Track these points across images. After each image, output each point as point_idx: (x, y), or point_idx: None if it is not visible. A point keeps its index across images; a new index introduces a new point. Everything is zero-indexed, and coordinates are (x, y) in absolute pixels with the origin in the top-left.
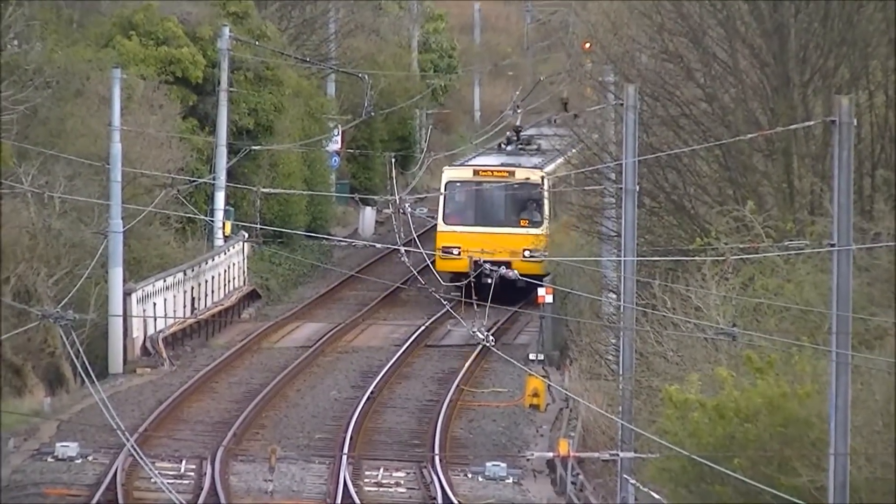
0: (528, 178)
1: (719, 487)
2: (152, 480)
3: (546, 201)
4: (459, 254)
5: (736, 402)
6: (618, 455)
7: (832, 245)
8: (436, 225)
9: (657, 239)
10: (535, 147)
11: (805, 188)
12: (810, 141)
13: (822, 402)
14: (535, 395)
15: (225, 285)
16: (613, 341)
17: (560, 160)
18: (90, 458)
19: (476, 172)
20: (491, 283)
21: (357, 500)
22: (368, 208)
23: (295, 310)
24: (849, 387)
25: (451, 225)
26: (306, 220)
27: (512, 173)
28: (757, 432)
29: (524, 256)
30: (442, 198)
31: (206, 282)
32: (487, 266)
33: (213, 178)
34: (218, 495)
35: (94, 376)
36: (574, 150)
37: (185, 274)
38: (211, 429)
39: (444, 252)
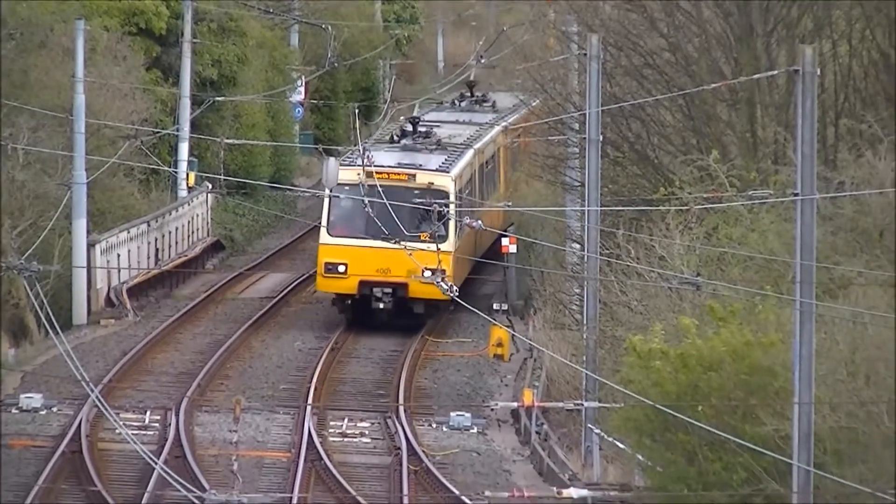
0: (431, 183)
1: (683, 436)
2: (117, 431)
3: (453, 211)
4: (346, 273)
5: (699, 352)
6: (582, 405)
7: (796, 194)
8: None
9: (621, 189)
10: (434, 141)
11: (769, 137)
12: (774, 90)
13: (786, 351)
14: (500, 345)
15: (189, 236)
16: (577, 291)
17: (468, 157)
18: (54, 409)
19: (369, 174)
20: (382, 308)
21: (322, 451)
22: (332, 159)
23: (259, 260)
24: (813, 336)
25: (336, 237)
26: (270, 171)
27: (413, 176)
28: (721, 381)
29: (423, 277)
30: (326, 203)
31: (170, 233)
32: (380, 290)
33: (177, 130)
34: (182, 446)
35: (58, 327)
36: (481, 143)
37: (148, 225)
38: (175, 380)
39: (327, 270)
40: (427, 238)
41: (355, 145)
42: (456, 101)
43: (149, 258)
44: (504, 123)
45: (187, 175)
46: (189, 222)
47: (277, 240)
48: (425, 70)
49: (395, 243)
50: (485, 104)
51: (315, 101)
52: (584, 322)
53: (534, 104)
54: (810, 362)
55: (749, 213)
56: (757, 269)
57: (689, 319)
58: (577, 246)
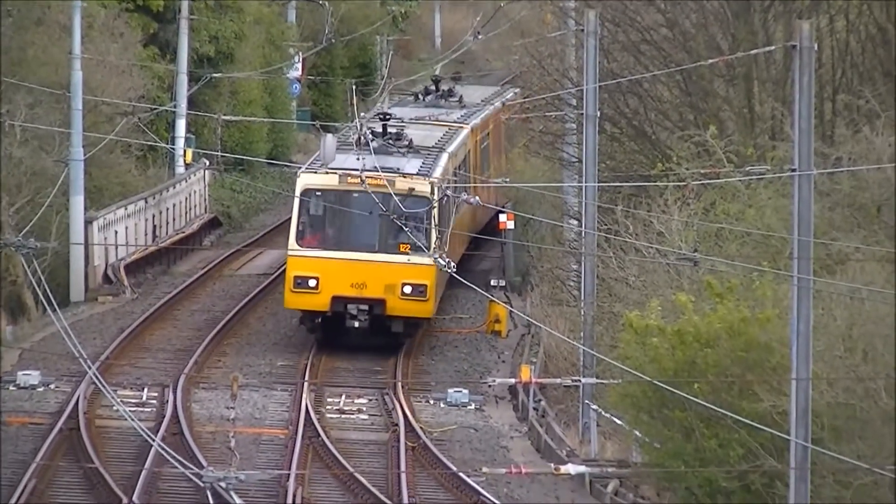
0: (412, 189)
1: (680, 413)
2: (114, 408)
3: (434, 220)
4: (317, 287)
5: (696, 328)
6: (579, 381)
7: (793, 170)
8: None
9: (618, 165)
10: (405, 142)
11: (766, 113)
12: (771, 66)
13: (784, 327)
14: (497, 321)
15: (186, 213)
16: (575, 267)
17: (444, 159)
18: (52, 386)
19: (343, 179)
20: (357, 327)
21: (319, 427)
22: (329, 135)
23: (256, 237)
24: (810, 312)
25: (306, 248)
26: (267, 148)
27: (392, 182)
28: (718, 358)
29: (403, 293)
30: (296, 210)
31: (168, 209)
32: (355, 307)
33: (174, 106)
34: (180, 423)
35: (55, 304)
36: (454, 145)
37: (146, 202)
38: (173, 356)
39: (296, 284)
40: (407, 249)
41: (352, 121)
42: (420, 96)
43: (146, 235)
44: (473, 122)
45: (184, 152)
46: (186, 199)
47: (275, 216)
48: (422, 46)
49: (372, 255)
50: (451, 99)
51: (312, 78)
52: (582, 298)
53: (507, 97)
54: (808, 338)
55: (746, 188)
56: (754, 245)
57: (685, 296)
58: (575, 222)
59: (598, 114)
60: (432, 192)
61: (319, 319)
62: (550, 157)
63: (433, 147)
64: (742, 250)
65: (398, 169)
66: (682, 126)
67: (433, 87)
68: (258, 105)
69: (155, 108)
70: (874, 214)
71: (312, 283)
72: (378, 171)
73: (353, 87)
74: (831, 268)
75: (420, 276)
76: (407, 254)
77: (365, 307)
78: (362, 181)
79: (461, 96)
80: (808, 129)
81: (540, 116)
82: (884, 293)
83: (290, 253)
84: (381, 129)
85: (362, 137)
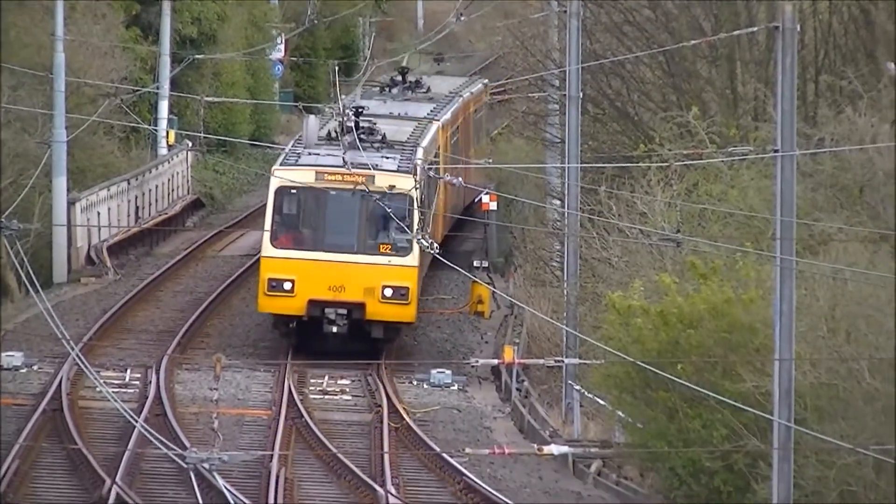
0: (392, 186)
1: (663, 393)
2: (97, 389)
3: (416, 218)
4: (293, 291)
5: (680, 309)
6: (562, 361)
7: (776, 151)
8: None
9: (601, 146)
10: (379, 137)
11: (749, 94)
12: (754, 47)
13: (767, 307)
14: (480, 301)
15: (169, 194)
16: (558, 248)
17: (420, 156)
18: (35, 367)
19: (320, 176)
20: (335, 333)
21: (302, 408)
22: (312, 116)
23: (239, 218)
24: (793, 292)
25: (281, 248)
26: (250, 129)
27: (371, 178)
28: (701, 338)
29: (383, 297)
30: (270, 209)
31: (150, 191)
32: (333, 312)
33: (157, 88)
34: (163, 404)
35: (38, 286)
36: (427, 140)
37: (129, 183)
38: (156, 338)
39: (271, 287)
40: (387, 250)
41: (335, 102)
42: (387, 88)
43: (129, 216)
44: (444, 117)
45: (167, 133)
46: (169, 180)
47: (258, 197)
48: (405, 28)
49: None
50: (419, 91)
51: (295, 59)
52: (565, 279)
53: (475, 89)
54: (791, 319)
55: (729, 169)
56: (737, 226)
57: (669, 277)
58: (558, 203)
59: (581, 95)
60: (413, 189)
61: (294, 324)
62: (533, 138)
63: (406, 142)
64: (725, 231)
65: (379, 165)
66: (665, 107)
67: (400, 79)
68: (241, 86)
69: (137, 90)
70: (856, 195)
71: (287, 285)
72: (355, 167)
73: (336, 68)
74: (814, 248)
75: (401, 279)
76: (387, 255)
77: (343, 311)
78: (349, 167)
79: (429, 88)
80: (790, 110)
81: (523, 97)
82: (866, 274)
83: (263, 254)
84: (353, 124)
85: (332, 132)
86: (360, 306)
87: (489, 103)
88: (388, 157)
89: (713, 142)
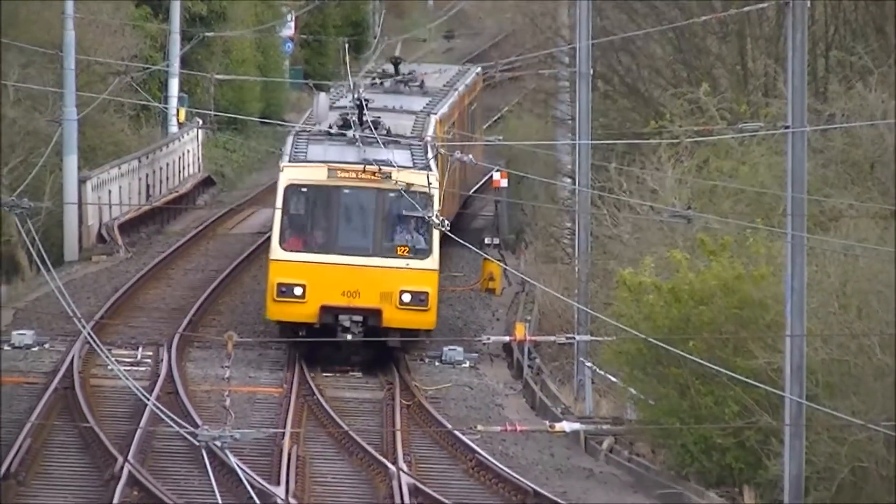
0: (411, 184)
1: (675, 370)
2: (109, 368)
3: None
4: (304, 296)
5: (691, 285)
6: (574, 338)
7: (786, 127)
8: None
9: (612, 122)
10: (384, 132)
11: (759, 70)
12: (764, 23)
13: (778, 284)
14: (491, 279)
15: (180, 172)
16: (569, 225)
17: (430, 153)
18: (46, 345)
19: (333, 173)
20: (350, 341)
21: (314, 386)
22: (322, 94)
23: (250, 196)
24: (804, 269)
25: (291, 251)
26: (260, 107)
27: (388, 175)
28: (712, 315)
29: (401, 302)
30: (279, 209)
31: (161, 169)
32: (347, 319)
33: (167, 66)
34: (175, 382)
35: (49, 264)
36: (430, 134)
37: (139, 161)
38: (167, 316)
39: (280, 293)
40: (405, 252)
41: (345, 80)
42: (379, 81)
43: (140, 194)
44: (441, 111)
45: (177, 111)
46: (180, 158)
47: (268, 175)
48: (415, 5)
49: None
50: (412, 84)
51: (305, 36)
52: (576, 256)
53: (469, 80)
54: (802, 295)
55: (740, 146)
56: (748, 203)
57: (680, 253)
58: (569, 180)
59: (591, 72)
60: (431, 187)
61: (303, 332)
62: (543, 116)
63: (411, 137)
64: (736, 207)
65: (395, 161)
66: (675, 83)
67: (392, 71)
68: (251, 64)
69: (148, 68)
70: (867, 171)
71: (298, 291)
72: (369, 165)
73: (346, 45)
74: (825, 224)
75: (421, 283)
76: (405, 257)
77: (359, 318)
78: (370, 162)
79: (423, 81)
80: (801, 86)
81: (533, 74)
82: (877, 249)
83: (272, 257)
84: (357, 117)
85: (336, 125)
86: (377, 313)
87: (484, 88)
88: (397, 153)
89: (723, 118)
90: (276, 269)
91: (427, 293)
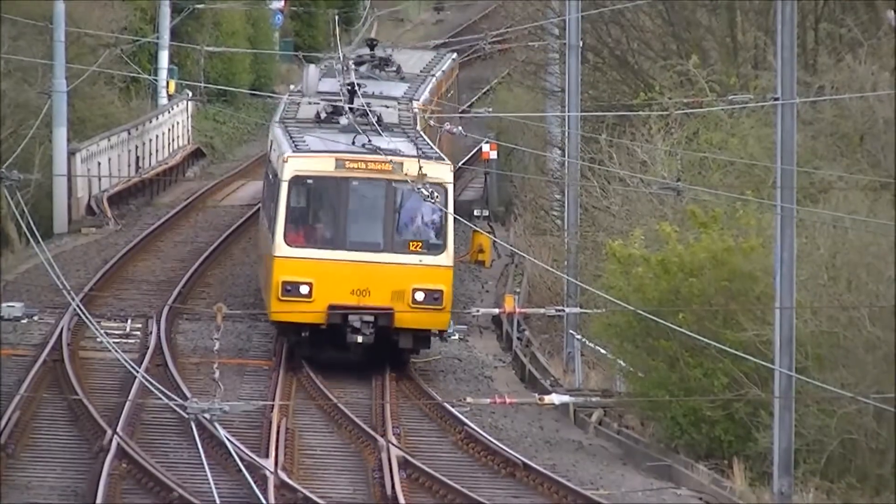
0: (424, 175)
1: (664, 342)
2: (98, 340)
3: (451, 211)
4: (310, 295)
5: (680, 257)
6: (563, 311)
7: (776, 99)
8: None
9: (601, 94)
10: (376, 119)
11: (749, 42)
12: None
13: (767, 256)
14: (481, 251)
15: (169, 144)
16: (558, 197)
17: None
18: (36, 318)
19: (340, 163)
20: (360, 343)
21: (302, 358)
22: (312, 66)
23: (240, 168)
24: (793, 241)
25: (296, 247)
26: (250, 79)
27: (400, 165)
28: (702, 287)
29: (414, 301)
30: (283, 202)
31: (151, 141)
32: (357, 319)
33: (157, 38)
34: (164, 354)
35: (38, 236)
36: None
37: (129, 133)
38: (156, 288)
39: (285, 291)
40: (418, 248)
41: (335, 53)
42: (352, 65)
43: (129, 166)
44: (422, 97)
45: (167, 83)
46: (169, 130)
47: (258, 147)
48: None
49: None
50: (388, 69)
51: (295, 8)
52: (566, 227)
53: (445, 67)
54: (791, 267)
55: (729, 118)
56: (738, 175)
57: (669, 225)
58: (559, 151)
59: (581, 43)
60: (447, 178)
61: (306, 333)
62: (533, 87)
63: (403, 124)
64: (725, 179)
65: (406, 151)
66: (665, 55)
67: (367, 55)
68: (241, 36)
69: (138, 40)
70: (857, 143)
71: (305, 289)
72: (380, 155)
73: (336, 17)
74: (814, 196)
75: (434, 280)
76: (418, 253)
77: (369, 318)
78: (380, 151)
79: (399, 66)
80: (790, 58)
81: (522, 46)
82: (867, 221)
83: (276, 254)
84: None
85: (321, 113)
86: (388, 312)
87: (459, 77)
88: (396, 141)
89: (713, 90)
90: (280, 266)
91: (441, 291)
